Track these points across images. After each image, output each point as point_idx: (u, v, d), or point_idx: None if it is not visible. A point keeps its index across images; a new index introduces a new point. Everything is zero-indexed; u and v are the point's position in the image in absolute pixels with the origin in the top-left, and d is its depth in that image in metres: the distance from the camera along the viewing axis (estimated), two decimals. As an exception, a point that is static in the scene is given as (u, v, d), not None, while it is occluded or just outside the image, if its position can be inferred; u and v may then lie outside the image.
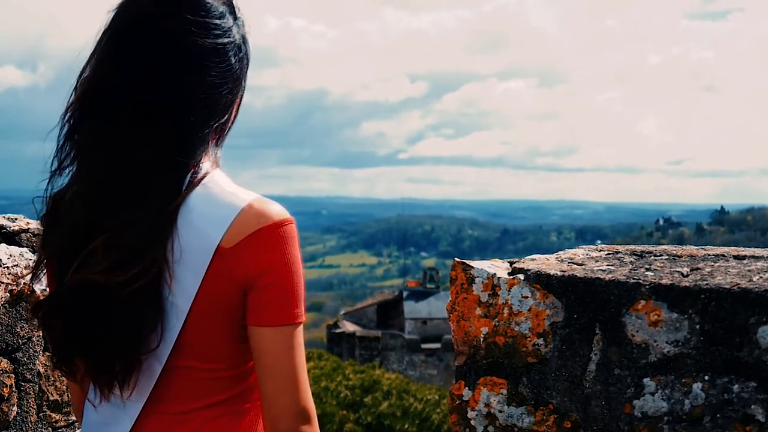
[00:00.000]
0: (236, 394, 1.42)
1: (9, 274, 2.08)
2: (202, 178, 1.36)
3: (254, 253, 1.32)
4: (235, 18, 1.42)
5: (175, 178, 1.34)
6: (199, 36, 1.35)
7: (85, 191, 1.35)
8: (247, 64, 1.45)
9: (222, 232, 1.32)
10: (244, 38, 1.44)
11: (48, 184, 1.41)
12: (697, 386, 1.35)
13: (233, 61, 1.40)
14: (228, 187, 1.37)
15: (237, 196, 1.36)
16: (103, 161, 1.34)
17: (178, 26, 1.34)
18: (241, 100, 1.48)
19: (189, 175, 1.35)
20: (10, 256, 2.12)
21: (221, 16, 1.39)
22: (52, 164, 1.40)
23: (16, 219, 2.32)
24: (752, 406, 1.30)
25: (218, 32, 1.37)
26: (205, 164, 1.39)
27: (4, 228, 2.25)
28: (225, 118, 1.43)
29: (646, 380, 1.40)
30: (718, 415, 1.33)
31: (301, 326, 1.38)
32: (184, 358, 1.38)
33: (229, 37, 1.40)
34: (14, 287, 2.09)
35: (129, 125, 1.32)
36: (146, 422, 1.40)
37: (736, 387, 1.32)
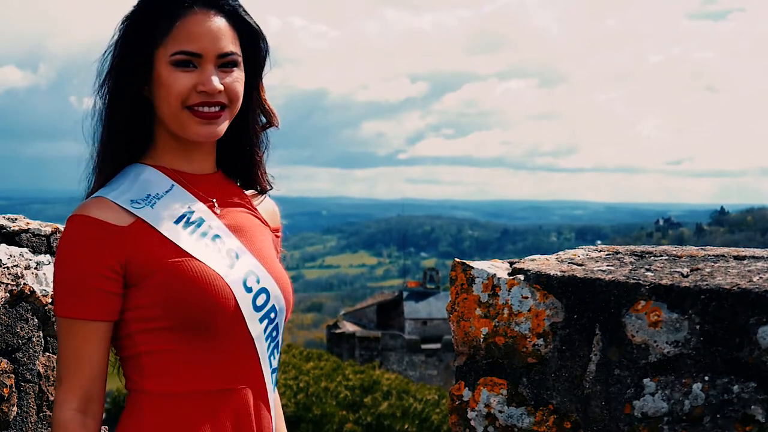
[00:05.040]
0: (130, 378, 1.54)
1: (9, 274, 2.08)
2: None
3: None
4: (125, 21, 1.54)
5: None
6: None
7: None
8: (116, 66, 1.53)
9: None
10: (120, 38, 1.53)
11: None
12: (697, 386, 1.35)
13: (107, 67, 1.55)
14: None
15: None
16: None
17: None
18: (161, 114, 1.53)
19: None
20: (10, 256, 2.12)
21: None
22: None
23: (16, 219, 2.31)
24: (752, 407, 1.30)
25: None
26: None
27: (4, 228, 2.25)
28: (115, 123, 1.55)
29: (646, 380, 1.40)
30: (718, 416, 1.33)
31: (67, 321, 1.45)
32: None
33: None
34: (14, 287, 2.09)
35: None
36: None
37: (736, 387, 1.32)
